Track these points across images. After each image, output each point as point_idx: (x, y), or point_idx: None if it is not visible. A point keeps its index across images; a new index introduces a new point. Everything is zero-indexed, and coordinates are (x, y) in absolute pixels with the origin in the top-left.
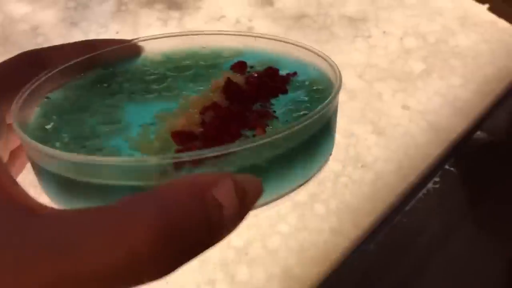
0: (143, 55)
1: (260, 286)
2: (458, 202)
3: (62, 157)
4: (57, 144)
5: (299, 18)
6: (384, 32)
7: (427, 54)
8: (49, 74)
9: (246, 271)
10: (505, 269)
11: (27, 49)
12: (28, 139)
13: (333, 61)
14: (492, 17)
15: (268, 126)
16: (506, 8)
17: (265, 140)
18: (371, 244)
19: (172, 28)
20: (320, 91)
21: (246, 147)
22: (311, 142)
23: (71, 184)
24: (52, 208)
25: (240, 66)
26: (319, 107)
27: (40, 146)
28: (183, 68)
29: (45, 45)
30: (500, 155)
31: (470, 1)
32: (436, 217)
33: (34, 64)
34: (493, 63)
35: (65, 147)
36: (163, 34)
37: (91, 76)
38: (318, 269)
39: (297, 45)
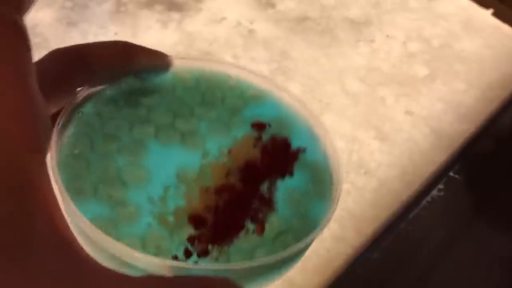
0: (174, 70)
1: None
2: (462, 209)
3: (85, 227)
4: (87, 187)
5: (302, 20)
6: (387, 36)
7: (431, 58)
8: (89, 91)
9: None
10: (509, 277)
11: None
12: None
13: (339, 161)
14: (496, 22)
15: (266, 221)
16: (510, 14)
17: (252, 266)
18: (375, 252)
19: (171, 30)
20: (320, 185)
21: (236, 268)
22: (293, 260)
23: (88, 241)
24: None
25: (259, 126)
26: (301, 244)
27: (72, 206)
28: (209, 105)
29: (43, 45)
30: (505, 162)
31: (474, 6)
32: (441, 225)
33: (76, 61)
34: (497, 69)
35: (94, 193)
36: (196, 57)
37: (123, 86)
38: (320, 277)
39: (314, 117)
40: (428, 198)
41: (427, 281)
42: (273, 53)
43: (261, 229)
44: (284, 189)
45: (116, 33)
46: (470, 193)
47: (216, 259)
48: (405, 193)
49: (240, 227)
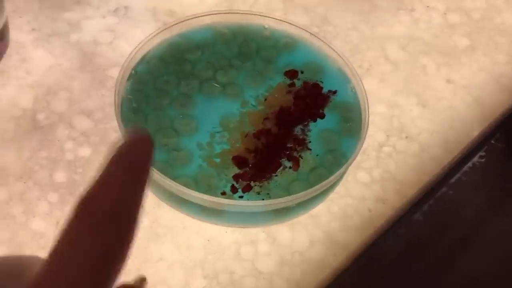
0: (213, 27)
1: (303, 250)
2: (503, 176)
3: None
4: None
5: None
6: (427, 6)
7: (471, 30)
8: (142, 50)
9: (288, 234)
10: None
11: (65, 5)
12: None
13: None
14: None
15: (302, 158)
16: None
17: (291, 203)
18: (416, 214)
19: None
20: (350, 121)
21: (274, 204)
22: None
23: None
24: None
25: (292, 74)
26: (335, 174)
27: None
28: (245, 56)
29: (84, 2)
30: None
31: None
32: (482, 191)
33: None
34: None
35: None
36: (233, 10)
37: (170, 45)
38: (362, 236)
39: (344, 59)
40: (470, 164)
41: (467, 244)
42: (313, 18)
43: (296, 166)
44: (317, 129)
45: None
46: (510, 161)
47: (258, 193)
48: (446, 159)
49: (277, 165)
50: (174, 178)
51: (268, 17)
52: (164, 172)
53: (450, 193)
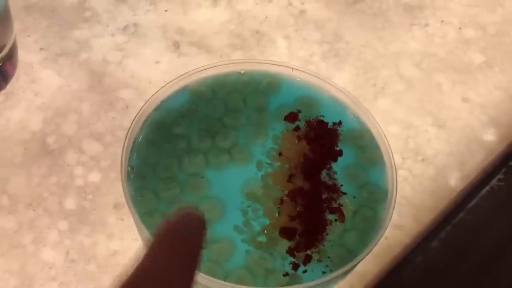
0: (190, 88)
1: None
2: None
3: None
4: None
5: (353, 3)
6: (442, 21)
7: (487, 45)
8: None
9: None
10: None
11: (74, 23)
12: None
13: (374, 118)
14: None
15: (342, 206)
16: None
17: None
18: (434, 241)
19: (222, 8)
20: (367, 150)
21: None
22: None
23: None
24: None
25: (292, 117)
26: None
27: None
28: (235, 111)
29: (95, 19)
30: None
31: None
32: (500, 215)
33: None
34: None
35: None
36: (200, 67)
37: (151, 123)
38: (379, 265)
39: (334, 86)
40: (488, 188)
41: (487, 271)
42: (325, 34)
43: (342, 217)
44: (340, 169)
45: (166, 10)
46: None
47: (319, 261)
48: (463, 182)
49: (324, 223)
50: (227, 276)
51: (237, 62)
52: (212, 272)
53: (467, 219)
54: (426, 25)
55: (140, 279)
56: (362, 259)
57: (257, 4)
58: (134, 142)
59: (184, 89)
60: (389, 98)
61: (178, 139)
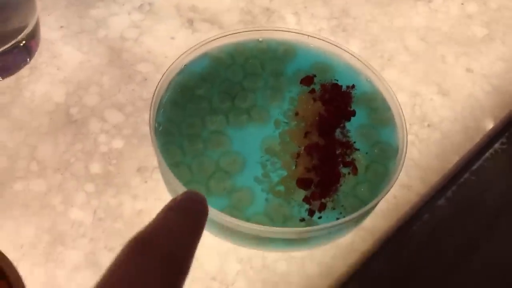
0: (210, 54)
1: None
2: None
3: (220, 219)
4: (201, 189)
5: None
6: None
7: (489, 20)
8: (153, 101)
9: None
10: None
11: (91, 3)
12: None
13: (386, 82)
14: None
15: (355, 160)
16: None
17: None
18: (440, 200)
19: None
20: (379, 112)
21: (351, 218)
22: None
23: (227, 231)
24: None
25: (308, 80)
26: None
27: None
28: (253, 76)
29: None
30: None
31: None
32: (504, 176)
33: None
34: None
35: (209, 190)
36: (221, 34)
37: (175, 85)
38: (387, 222)
39: (348, 52)
40: (492, 151)
41: (492, 228)
42: (333, 10)
43: (355, 170)
44: (353, 128)
45: None
46: None
47: (333, 209)
48: (468, 146)
49: (338, 175)
50: (248, 220)
51: (259, 29)
52: (236, 216)
53: (472, 179)
54: (430, 1)
55: (154, 236)
56: (372, 208)
57: None
58: (160, 101)
59: (205, 55)
60: (396, 69)
61: (201, 100)
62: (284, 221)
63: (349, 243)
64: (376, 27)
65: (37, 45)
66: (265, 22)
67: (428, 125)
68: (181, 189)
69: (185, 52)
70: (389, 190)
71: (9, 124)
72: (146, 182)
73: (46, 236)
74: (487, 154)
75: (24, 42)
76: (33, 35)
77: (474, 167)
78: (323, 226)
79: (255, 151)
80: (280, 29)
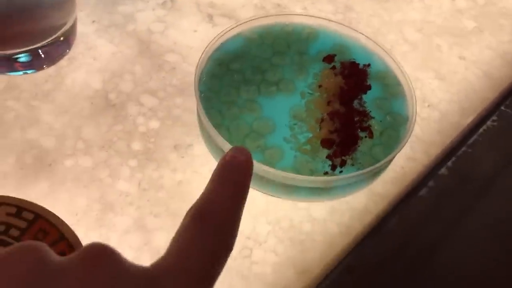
0: (243, 35)
1: (349, 199)
2: None
3: (259, 171)
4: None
5: None
6: None
7: (478, 14)
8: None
9: None
10: None
11: (119, 0)
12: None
13: (396, 59)
14: None
15: (371, 126)
16: None
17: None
18: (442, 169)
19: None
20: (391, 87)
21: (367, 171)
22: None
23: (261, 180)
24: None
25: (329, 59)
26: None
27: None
28: (281, 54)
29: None
30: None
31: None
32: (495, 149)
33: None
34: None
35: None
36: (254, 16)
37: (214, 61)
38: (397, 188)
39: (364, 35)
40: (484, 127)
41: (487, 192)
42: (338, 6)
43: (371, 134)
44: (369, 100)
45: None
46: None
47: (352, 165)
48: (463, 123)
49: (357, 137)
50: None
51: (287, 14)
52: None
53: (469, 151)
54: None
55: (209, 208)
56: (386, 164)
57: None
58: (201, 73)
59: (238, 35)
60: (397, 57)
61: (235, 73)
62: (311, 174)
63: (363, 206)
64: (377, 21)
65: (74, 37)
66: None
67: (428, 106)
68: (224, 146)
69: (221, 32)
70: (399, 151)
71: (54, 108)
72: (182, 157)
73: (97, 205)
74: (480, 130)
75: (63, 37)
76: (72, 31)
77: (470, 141)
78: (343, 176)
79: (284, 117)
80: (305, 13)
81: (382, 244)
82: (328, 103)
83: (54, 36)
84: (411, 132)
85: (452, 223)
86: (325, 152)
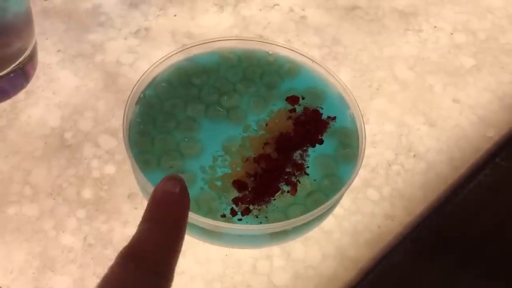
0: (220, 52)
1: (315, 264)
2: (509, 195)
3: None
4: (152, 159)
5: (352, 9)
6: (435, 27)
7: (477, 50)
8: (150, 74)
9: (301, 249)
10: None
11: (89, 27)
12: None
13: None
14: None
15: (299, 183)
16: None
17: (288, 227)
18: (424, 231)
19: (227, 14)
20: (348, 147)
21: (276, 230)
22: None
23: None
24: None
25: (293, 100)
26: (330, 202)
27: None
28: (249, 81)
29: (108, 23)
30: None
31: None
32: (487, 210)
33: None
34: None
35: (158, 164)
36: (239, 36)
37: (177, 69)
38: (371, 251)
39: (343, 86)
40: (475, 183)
41: (473, 262)
42: (324, 39)
43: (294, 190)
44: (315, 155)
45: (175, 15)
46: None
47: (256, 217)
48: (452, 177)
49: (276, 189)
50: None
51: (273, 43)
52: None
53: (456, 211)
54: (420, 30)
55: (141, 249)
56: (285, 227)
57: (260, 10)
58: (154, 78)
59: (216, 51)
60: (384, 98)
61: (192, 87)
62: (207, 212)
63: (332, 272)
64: (366, 56)
65: (34, 69)
66: None
67: (414, 155)
68: (136, 157)
69: (196, 43)
70: (307, 219)
71: (4, 147)
72: (136, 208)
73: (36, 262)
74: (470, 186)
75: (20, 68)
76: (31, 59)
77: (458, 199)
78: (230, 225)
79: (215, 145)
80: (291, 48)
81: None
82: (264, 144)
83: (11, 67)
84: (339, 200)
85: None
86: (234, 194)
